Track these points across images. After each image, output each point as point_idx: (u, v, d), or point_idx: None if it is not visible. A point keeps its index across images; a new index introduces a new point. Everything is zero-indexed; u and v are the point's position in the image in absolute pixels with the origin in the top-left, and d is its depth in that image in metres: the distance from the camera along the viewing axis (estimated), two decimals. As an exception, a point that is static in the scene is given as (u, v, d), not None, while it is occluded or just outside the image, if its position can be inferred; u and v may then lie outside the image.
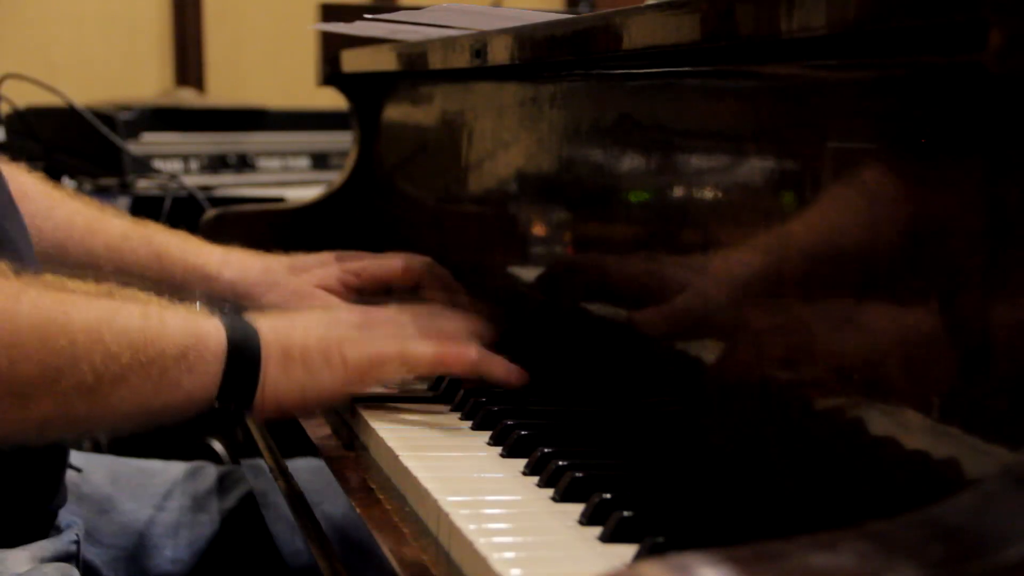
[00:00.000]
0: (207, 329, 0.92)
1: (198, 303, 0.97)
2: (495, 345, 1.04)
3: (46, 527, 1.08)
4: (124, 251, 1.28)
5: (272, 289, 1.25)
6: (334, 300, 1.23)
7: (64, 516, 1.11)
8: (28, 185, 1.28)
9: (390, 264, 1.27)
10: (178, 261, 1.28)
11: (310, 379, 0.95)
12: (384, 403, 1.01)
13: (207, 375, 0.91)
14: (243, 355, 0.92)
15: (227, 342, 0.92)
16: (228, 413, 0.93)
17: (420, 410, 0.99)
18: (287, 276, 1.27)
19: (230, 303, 1.10)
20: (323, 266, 1.28)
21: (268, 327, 0.95)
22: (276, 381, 0.94)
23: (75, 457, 1.28)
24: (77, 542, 1.09)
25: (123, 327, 0.88)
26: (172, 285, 1.23)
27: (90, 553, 1.18)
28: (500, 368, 1.00)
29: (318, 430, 1.01)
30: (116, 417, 0.90)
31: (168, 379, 0.89)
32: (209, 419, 0.93)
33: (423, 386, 1.07)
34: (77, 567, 1.07)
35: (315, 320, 1.00)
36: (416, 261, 1.27)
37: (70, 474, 1.24)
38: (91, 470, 1.29)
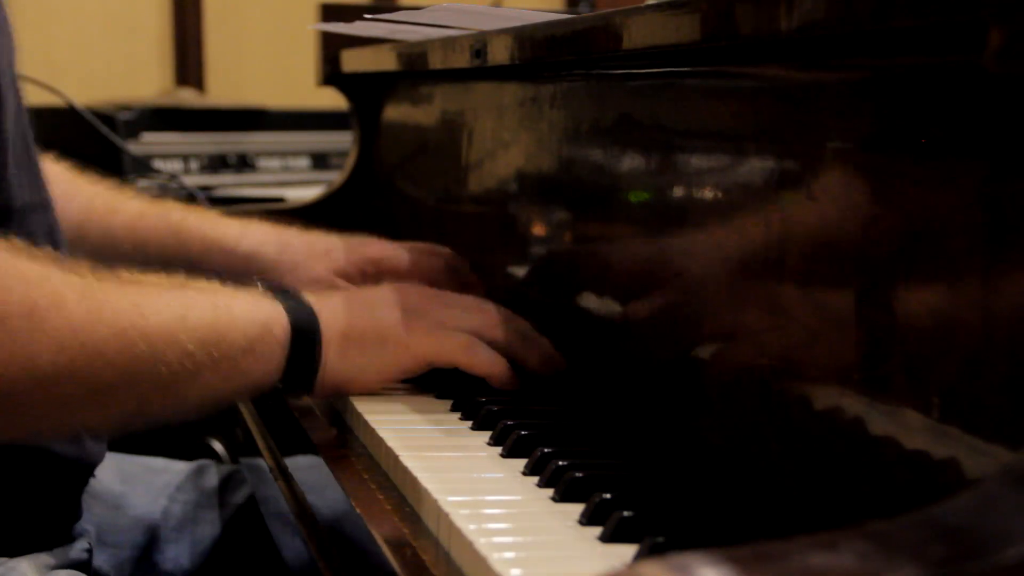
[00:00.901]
0: (273, 316, 0.94)
1: (259, 285, 0.98)
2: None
3: (63, 539, 1.08)
4: (141, 228, 1.29)
5: (292, 271, 1.25)
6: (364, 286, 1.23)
7: (78, 525, 1.11)
8: (53, 171, 1.29)
9: (408, 258, 1.26)
10: (195, 235, 1.29)
11: (367, 362, 0.97)
12: (384, 403, 1.01)
13: (272, 362, 0.93)
14: (305, 341, 0.94)
15: (290, 329, 0.94)
16: (288, 393, 0.96)
17: (420, 410, 0.99)
18: (306, 259, 1.27)
19: (277, 283, 1.09)
20: (341, 251, 1.28)
21: (328, 311, 0.97)
22: (334, 364, 0.96)
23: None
24: (89, 550, 1.09)
25: (196, 324, 0.89)
26: (189, 259, 1.24)
27: (101, 557, 1.18)
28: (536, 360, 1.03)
29: (318, 429, 1.01)
30: (188, 407, 0.92)
31: (238, 370, 0.91)
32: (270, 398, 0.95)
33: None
34: (88, 574, 1.08)
35: (368, 303, 1.01)
36: (435, 258, 1.26)
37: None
38: (100, 468, 1.29)
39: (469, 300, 1.07)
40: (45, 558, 1.03)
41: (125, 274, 0.92)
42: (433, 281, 1.18)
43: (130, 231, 1.29)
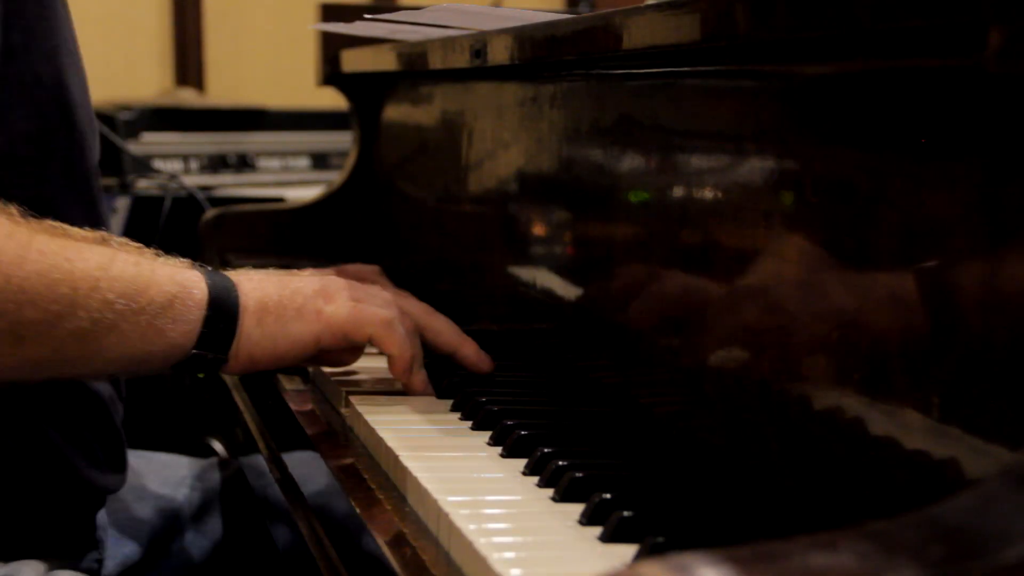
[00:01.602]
0: (192, 280, 0.95)
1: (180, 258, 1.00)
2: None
3: (71, 553, 1.08)
4: None
5: None
6: None
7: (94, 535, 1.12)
8: None
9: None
10: None
11: (282, 331, 0.98)
12: (384, 403, 1.01)
13: (189, 324, 0.94)
14: (222, 305, 0.96)
15: (208, 292, 0.95)
16: (204, 364, 0.96)
17: (420, 410, 0.99)
18: None
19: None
20: None
21: (246, 280, 0.99)
22: (250, 332, 0.97)
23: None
24: (99, 560, 1.09)
25: (119, 275, 0.91)
26: None
27: (113, 556, 1.18)
28: (472, 351, 1.06)
29: (317, 429, 1.01)
30: (104, 361, 0.93)
31: (155, 327, 0.92)
32: (186, 370, 0.97)
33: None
34: None
35: (287, 276, 1.03)
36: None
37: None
38: None
39: (394, 292, 1.10)
40: (52, 561, 1.03)
41: (53, 223, 0.93)
42: None
43: None
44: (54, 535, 1.06)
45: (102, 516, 1.14)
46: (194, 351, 0.95)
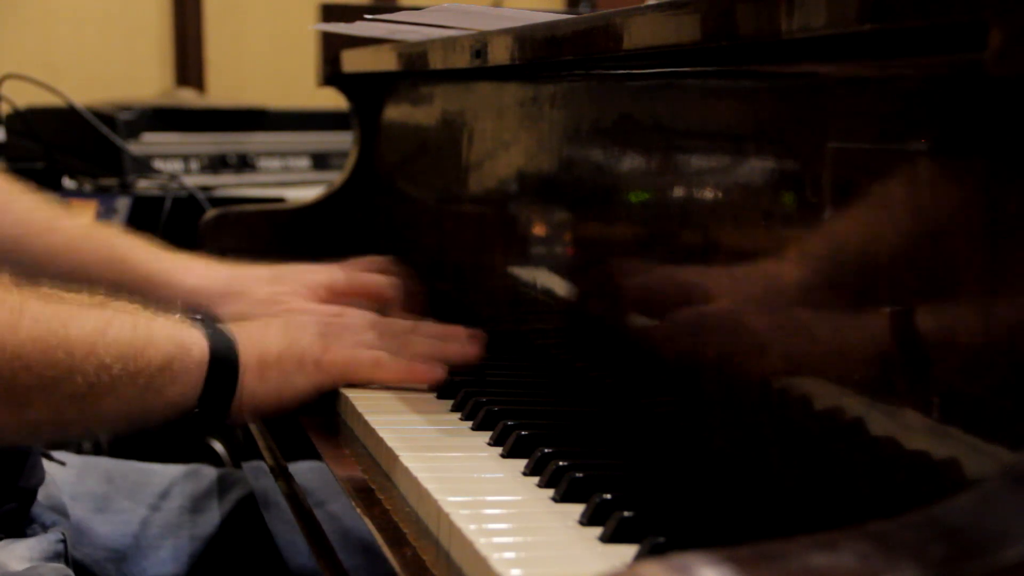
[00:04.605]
0: (191, 340, 0.96)
1: (179, 314, 1.01)
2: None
3: (23, 514, 1.08)
4: (84, 251, 1.29)
5: (237, 299, 1.26)
6: (299, 305, 1.24)
7: (48, 516, 1.12)
8: None
9: (352, 284, 1.28)
10: (140, 265, 1.29)
11: (285, 383, 1.00)
12: (384, 403, 1.01)
13: (189, 384, 0.95)
14: (223, 365, 0.97)
15: (209, 352, 0.96)
16: (206, 418, 0.97)
17: (420, 410, 0.99)
18: (255, 285, 1.28)
19: (200, 312, 1.11)
20: (288, 282, 1.28)
21: (245, 336, 1.00)
22: (253, 388, 0.99)
23: (73, 459, 1.28)
24: (63, 541, 1.09)
25: (115, 339, 0.92)
26: (130, 289, 1.23)
27: (83, 553, 1.18)
28: (456, 352, 1.07)
29: (317, 429, 1.01)
30: (102, 422, 0.96)
31: (153, 388, 0.94)
32: (188, 424, 0.97)
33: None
34: (68, 565, 1.08)
35: (284, 327, 1.04)
36: (381, 282, 1.28)
37: (65, 472, 1.24)
38: (88, 470, 1.29)
39: (383, 321, 1.12)
40: (20, 548, 1.04)
41: (47, 290, 0.94)
42: (379, 299, 1.25)
43: (71, 252, 1.28)
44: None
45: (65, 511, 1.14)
46: (196, 410, 0.96)
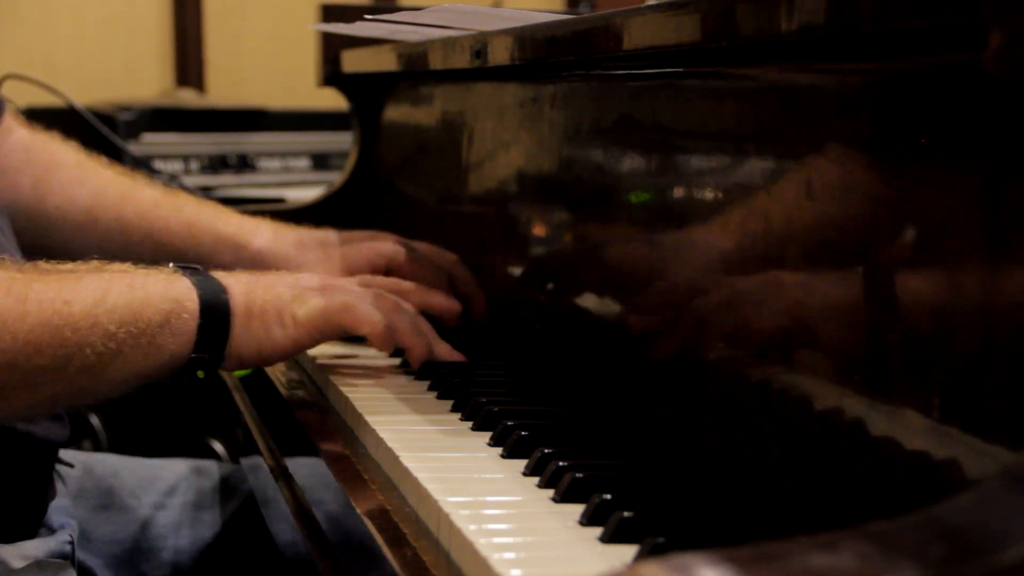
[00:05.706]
0: (184, 293, 0.99)
1: (171, 264, 1.03)
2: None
3: (36, 523, 1.09)
4: (154, 219, 1.31)
5: (302, 268, 1.26)
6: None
7: (58, 517, 1.12)
8: (61, 154, 1.32)
9: (411, 265, 1.27)
10: (208, 230, 1.31)
11: (266, 335, 1.02)
12: (384, 403, 1.01)
13: (185, 334, 0.98)
14: (215, 312, 0.99)
15: (199, 301, 0.98)
16: (203, 366, 1.00)
17: (420, 410, 0.99)
18: (318, 255, 1.29)
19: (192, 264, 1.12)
20: (353, 247, 1.29)
21: (235, 283, 1.02)
22: (239, 336, 1.01)
23: (75, 457, 1.28)
24: (71, 543, 1.09)
25: (114, 305, 0.94)
26: (201, 253, 1.27)
27: (86, 553, 1.18)
28: (444, 352, 1.09)
29: (317, 429, 1.01)
30: (111, 385, 0.97)
31: (155, 345, 0.96)
32: (186, 375, 1.00)
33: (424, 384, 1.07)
34: (73, 567, 1.08)
35: (278, 280, 1.06)
36: (438, 268, 1.27)
37: (71, 470, 1.24)
38: (93, 466, 1.29)
39: (376, 281, 1.15)
40: (27, 548, 1.04)
41: (43, 264, 0.97)
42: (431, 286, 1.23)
43: (143, 220, 1.31)
44: (13, 499, 1.07)
45: (73, 512, 1.14)
46: (192, 355, 0.98)
